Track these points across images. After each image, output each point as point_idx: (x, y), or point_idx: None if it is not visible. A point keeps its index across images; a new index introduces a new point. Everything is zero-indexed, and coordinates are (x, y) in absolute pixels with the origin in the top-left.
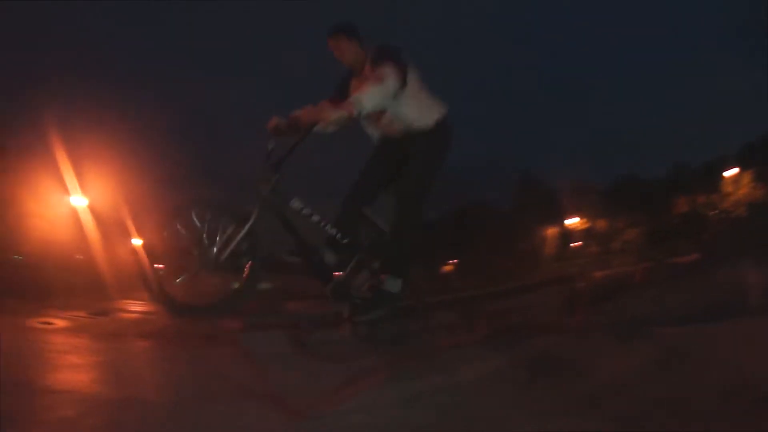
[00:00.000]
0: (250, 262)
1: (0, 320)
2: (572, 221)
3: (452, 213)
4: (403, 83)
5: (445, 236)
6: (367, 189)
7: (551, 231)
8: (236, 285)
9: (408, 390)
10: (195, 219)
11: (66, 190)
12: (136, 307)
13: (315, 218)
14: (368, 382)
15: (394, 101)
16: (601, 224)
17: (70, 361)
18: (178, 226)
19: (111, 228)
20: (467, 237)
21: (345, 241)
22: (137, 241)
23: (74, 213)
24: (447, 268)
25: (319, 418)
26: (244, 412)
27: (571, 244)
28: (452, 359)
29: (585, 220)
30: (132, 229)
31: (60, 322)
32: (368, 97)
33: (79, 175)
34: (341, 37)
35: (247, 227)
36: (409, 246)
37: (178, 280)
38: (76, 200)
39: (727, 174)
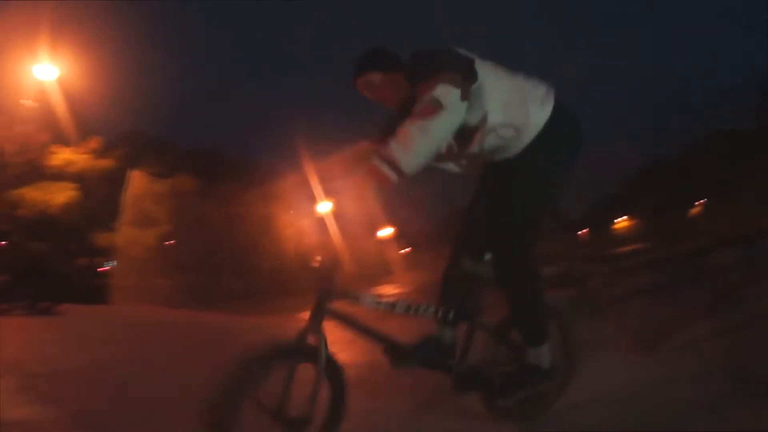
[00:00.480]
0: None
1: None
2: None
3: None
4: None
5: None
6: (473, 242)
7: None
8: None
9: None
10: None
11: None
12: (387, 290)
13: (401, 306)
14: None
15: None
16: None
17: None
18: None
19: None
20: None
21: (454, 316)
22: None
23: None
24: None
25: None
26: None
27: None
28: None
29: None
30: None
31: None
32: (413, 147)
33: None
34: (372, 75)
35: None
36: (538, 299)
37: None
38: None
39: None
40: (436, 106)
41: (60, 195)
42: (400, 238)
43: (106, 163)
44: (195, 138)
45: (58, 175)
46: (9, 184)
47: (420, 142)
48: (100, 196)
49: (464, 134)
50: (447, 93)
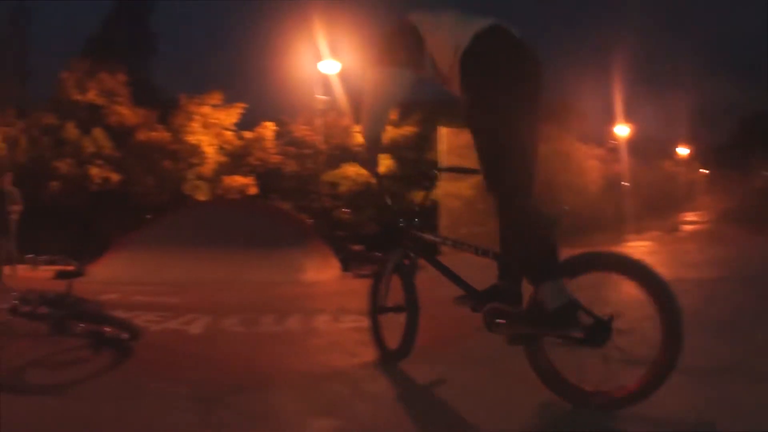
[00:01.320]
0: None
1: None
2: None
3: None
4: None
5: None
6: None
7: None
8: None
9: None
10: None
11: None
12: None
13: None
14: None
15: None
16: None
17: None
18: None
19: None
20: None
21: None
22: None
23: None
24: None
25: None
26: None
27: None
28: None
29: None
30: None
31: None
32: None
33: None
34: None
35: None
36: (533, 238)
37: None
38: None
39: None
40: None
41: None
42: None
43: (408, 129)
44: None
45: None
46: (324, 167)
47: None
48: (409, 160)
49: None
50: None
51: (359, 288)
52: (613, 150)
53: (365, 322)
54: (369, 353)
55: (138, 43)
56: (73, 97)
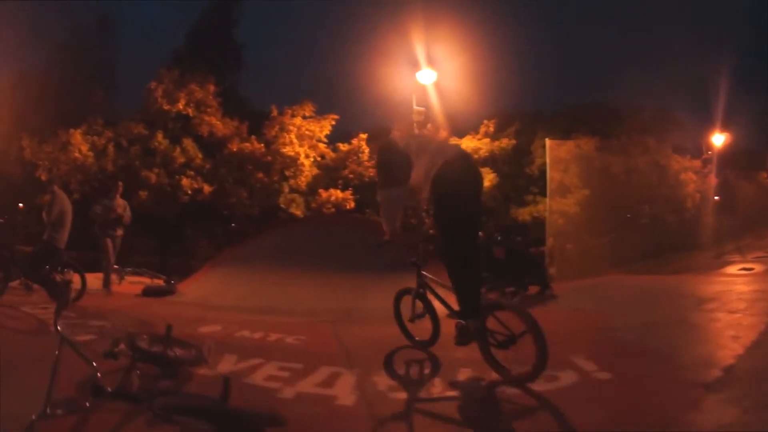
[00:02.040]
0: None
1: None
2: None
3: None
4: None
5: None
6: None
7: None
8: None
9: None
10: None
11: None
12: None
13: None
14: None
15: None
16: None
17: None
18: None
19: None
20: None
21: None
22: None
23: None
24: None
25: None
26: None
27: None
28: None
29: None
30: None
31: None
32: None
33: None
34: None
35: None
36: (466, 292)
37: None
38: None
39: None
40: None
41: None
42: None
43: (505, 142)
44: (566, 98)
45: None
46: None
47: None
48: (508, 174)
49: None
50: None
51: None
52: (709, 161)
53: None
54: None
55: (224, 55)
56: (164, 107)
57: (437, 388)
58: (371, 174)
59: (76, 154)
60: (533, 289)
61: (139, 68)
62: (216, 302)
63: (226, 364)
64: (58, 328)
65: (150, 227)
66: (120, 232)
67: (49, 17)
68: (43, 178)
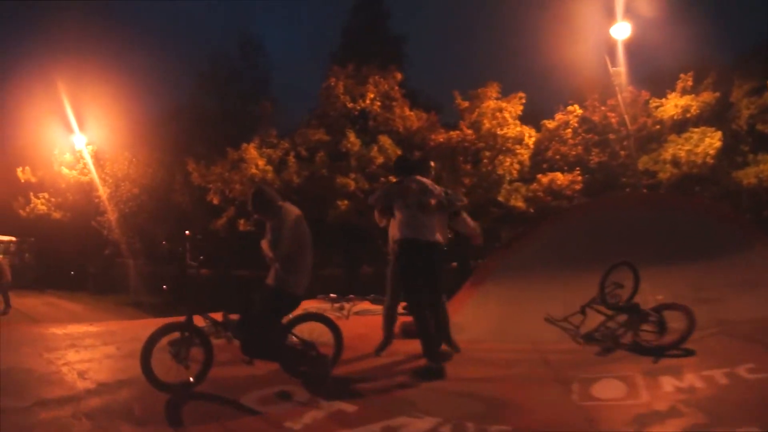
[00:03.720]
0: None
1: None
2: None
3: None
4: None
5: None
6: None
7: None
8: None
9: None
10: None
11: None
12: None
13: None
14: None
15: None
16: None
17: None
18: None
19: None
20: None
21: None
22: None
23: None
24: None
25: None
26: None
27: None
28: None
29: None
30: None
31: None
32: None
33: None
34: None
35: None
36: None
37: None
38: None
39: None
40: None
41: (710, 144)
42: None
43: (708, 96)
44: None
45: (681, 123)
46: (638, 153)
47: None
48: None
49: None
50: None
51: None
52: None
53: None
54: None
55: (385, 48)
56: (347, 104)
57: None
58: (575, 153)
59: (254, 170)
60: None
61: (295, 76)
62: (480, 335)
63: None
64: None
65: (336, 239)
66: None
67: (192, 53)
68: (215, 201)
